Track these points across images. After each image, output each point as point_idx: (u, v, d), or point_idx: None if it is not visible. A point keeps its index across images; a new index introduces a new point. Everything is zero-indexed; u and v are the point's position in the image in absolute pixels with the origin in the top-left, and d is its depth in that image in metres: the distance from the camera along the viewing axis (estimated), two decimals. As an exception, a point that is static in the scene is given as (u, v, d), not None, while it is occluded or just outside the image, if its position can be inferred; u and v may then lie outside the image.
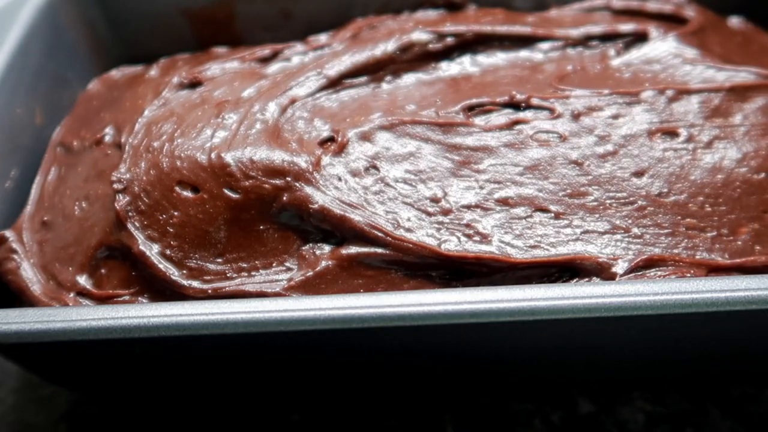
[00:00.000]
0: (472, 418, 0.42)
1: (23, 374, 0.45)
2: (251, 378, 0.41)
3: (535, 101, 0.43)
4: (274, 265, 0.38)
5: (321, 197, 0.38)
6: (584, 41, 0.49)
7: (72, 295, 0.39)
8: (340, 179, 0.39)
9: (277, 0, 0.55)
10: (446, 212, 0.39)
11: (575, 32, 0.49)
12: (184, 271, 0.37)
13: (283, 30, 0.55)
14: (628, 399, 0.42)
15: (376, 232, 0.37)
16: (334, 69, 0.46)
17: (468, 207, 0.39)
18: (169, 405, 0.43)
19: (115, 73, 0.52)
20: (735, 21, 0.52)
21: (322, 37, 0.51)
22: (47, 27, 0.50)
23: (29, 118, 0.47)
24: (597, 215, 0.38)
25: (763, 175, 0.40)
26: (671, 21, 0.50)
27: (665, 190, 0.39)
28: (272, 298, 0.34)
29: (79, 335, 0.31)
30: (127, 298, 0.38)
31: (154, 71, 0.50)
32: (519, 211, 0.39)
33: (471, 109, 0.43)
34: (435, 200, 0.39)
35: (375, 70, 0.46)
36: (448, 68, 0.47)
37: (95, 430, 0.43)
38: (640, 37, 0.48)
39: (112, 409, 0.43)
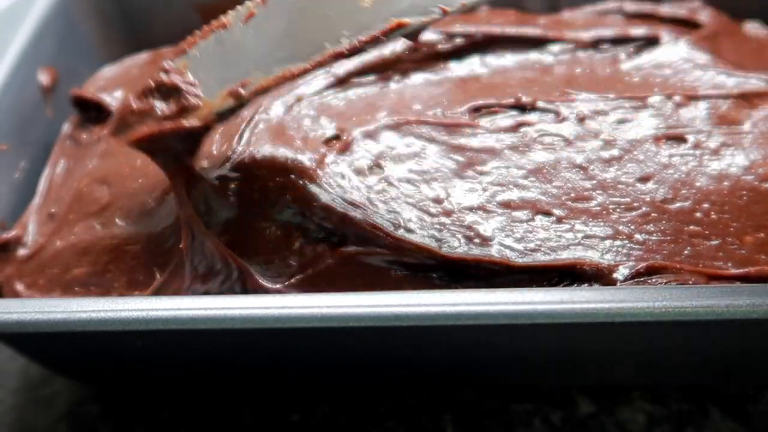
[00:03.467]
0: (472, 418, 0.42)
1: (23, 374, 0.45)
2: (250, 375, 0.42)
3: (540, 104, 0.43)
4: (275, 262, 0.38)
5: (324, 195, 0.38)
6: (595, 44, 0.48)
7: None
8: (343, 177, 0.39)
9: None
10: (448, 213, 0.38)
11: (586, 35, 0.48)
12: (187, 267, 0.38)
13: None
14: (628, 399, 0.42)
15: (376, 232, 0.37)
16: (342, 67, 0.46)
17: (470, 209, 0.39)
18: (169, 404, 0.43)
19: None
20: (751, 26, 0.51)
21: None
22: (60, 21, 0.50)
23: (40, 111, 0.48)
24: (600, 220, 0.38)
25: (769, 183, 0.39)
26: (685, 25, 0.50)
27: (670, 196, 0.39)
28: (271, 295, 0.34)
29: (78, 326, 0.32)
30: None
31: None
32: (521, 214, 0.38)
33: (477, 111, 0.43)
34: (437, 201, 0.39)
35: (383, 69, 0.46)
36: (457, 68, 0.47)
37: (95, 430, 0.43)
38: (652, 41, 0.48)
39: (112, 410, 0.43)
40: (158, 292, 0.37)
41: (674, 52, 0.47)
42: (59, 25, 0.50)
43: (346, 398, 0.43)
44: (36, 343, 0.37)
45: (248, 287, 0.36)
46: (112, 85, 0.49)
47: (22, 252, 0.41)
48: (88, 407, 0.44)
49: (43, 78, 0.48)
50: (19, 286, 0.40)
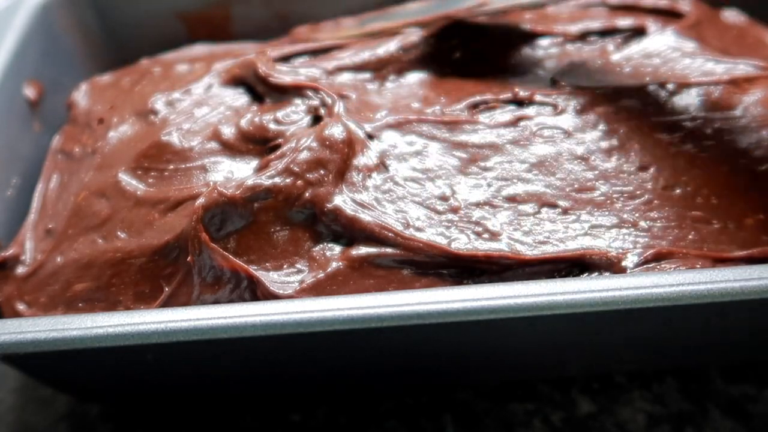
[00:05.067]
0: (471, 418, 0.42)
1: (23, 374, 0.44)
2: (256, 379, 0.41)
3: (538, 97, 0.43)
4: (284, 267, 0.37)
5: (337, 196, 0.38)
6: (583, 37, 0.49)
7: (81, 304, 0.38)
8: (351, 178, 0.39)
9: (273, 2, 0.55)
10: (455, 210, 0.39)
11: (574, 28, 0.49)
12: (194, 276, 0.37)
13: (279, 32, 0.55)
14: (628, 399, 0.43)
15: (386, 233, 0.37)
16: (334, 62, 0.46)
17: (476, 204, 0.39)
18: (169, 404, 0.43)
19: (106, 77, 0.51)
20: (729, 14, 0.53)
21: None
22: (42, 32, 0.49)
23: (27, 126, 0.47)
24: (605, 210, 0.39)
25: (766, 166, 0.40)
26: (667, 15, 0.51)
27: (671, 183, 0.39)
28: (290, 300, 0.34)
29: (95, 342, 0.31)
30: (136, 306, 0.38)
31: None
32: (527, 207, 0.39)
33: (475, 107, 0.43)
34: (443, 198, 0.39)
35: (378, 68, 0.46)
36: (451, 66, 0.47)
37: (95, 430, 0.42)
38: (638, 32, 0.49)
39: (113, 410, 0.43)
40: (167, 304, 0.37)
41: (661, 41, 0.48)
42: (42, 37, 0.49)
43: (346, 398, 0.43)
44: (44, 362, 0.36)
45: (258, 295, 0.36)
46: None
47: (21, 270, 0.40)
48: (88, 407, 0.43)
49: (29, 91, 0.47)
50: (21, 306, 0.39)
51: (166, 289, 0.37)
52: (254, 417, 0.42)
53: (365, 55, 0.46)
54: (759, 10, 0.53)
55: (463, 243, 0.37)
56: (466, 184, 0.40)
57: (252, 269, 0.36)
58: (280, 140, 0.41)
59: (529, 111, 0.43)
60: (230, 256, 0.36)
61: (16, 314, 0.39)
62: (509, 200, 0.39)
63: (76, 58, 0.52)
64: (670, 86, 0.44)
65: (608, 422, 0.42)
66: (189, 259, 0.36)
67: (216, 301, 0.36)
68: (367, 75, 0.45)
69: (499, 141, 0.41)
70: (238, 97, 0.44)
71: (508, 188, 0.39)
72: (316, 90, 0.43)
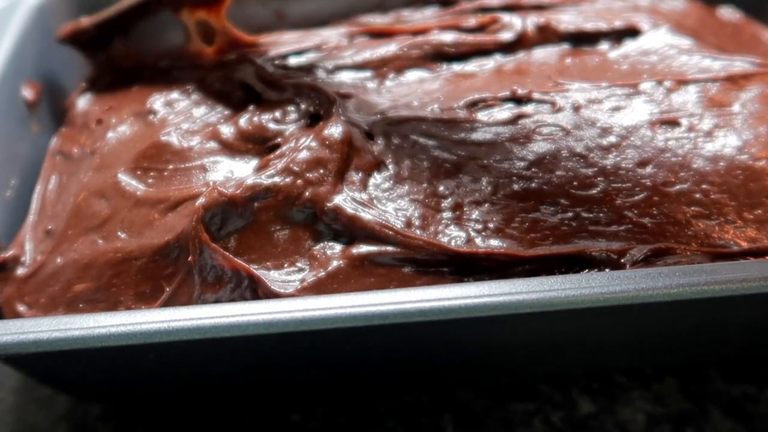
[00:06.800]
0: (471, 418, 0.42)
1: (23, 374, 0.44)
2: (256, 379, 0.41)
3: (536, 95, 0.44)
4: (285, 266, 0.37)
5: (337, 195, 0.38)
6: (578, 35, 0.49)
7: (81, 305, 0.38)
8: (351, 177, 0.39)
9: (271, 1, 0.55)
10: (455, 208, 0.39)
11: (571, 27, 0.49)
12: (195, 276, 0.37)
13: (277, 31, 0.55)
14: (628, 399, 0.43)
15: (386, 231, 0.37)
16: (334, 62, 0.46)
17: (476, 202, 0.39)
18: (169, 404, 0.43)
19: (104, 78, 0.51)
20: (725, 11, 0.53)
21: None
22: (40, 33, 0.49)
23: (25, 127, 0.47)
24: (604, 206, 0.39)
25: (763, 161, 0.40)
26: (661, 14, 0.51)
27: (670, 179, 0.40)
28: (291, 299, 0.34)
29: (98, 342, 0.31)
30: (137, 305, 0.38)
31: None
32: (527, 204, 0.39)
33: (474, 105, 0.43)
34: (444, 196, 0.39)
35: (378, 66, 0.46)
36: (449, 65, 0.47)
37: (95, 430, 0.42)
38: (634, 29, 0.49)
39: (112, 410, 0.43)
40: (168, 304, 0.37)
41: (657, 38, 0.48)
42: (40, 38, 0.49)
43: (346, 398, 0.43)
44: (44, 362, 0.36)
45: (260, 294, 0.36)
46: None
47: (21, 271, 0.40)
48: (88, 407, 0.43)
49: (27, 93, 0.47)
50: (21, 307, 0.39)
51: (167, 289, 0.37)
52: (254, 416, 0.42)
53: (366, 54, 0.46)
54: (754, 7, 0.54)
55: (463, 241, 0.37)
56: (465, 181, 0.40)
57: (253, 268, 0.36)
58: (279, 140, 0.41)
59: (528, 108, 0.43)
60: (231, 256, 0.36)
61: (17, 315, 0.38)
62: (509, 197, 0.39)
63: (74, 59, 0.52)
64: (667, 83, 0.44)
65: (608, 422, 0.42)
66: (190, 258, 0.36)
67: (217, 301, 0.36)
68: (367, 74, 0.46)
69: (497, 139, 0.41)
70: (237, 97, 0.44)
71: (507, 185, 0.39)
72: (315, 89, 0.43)
